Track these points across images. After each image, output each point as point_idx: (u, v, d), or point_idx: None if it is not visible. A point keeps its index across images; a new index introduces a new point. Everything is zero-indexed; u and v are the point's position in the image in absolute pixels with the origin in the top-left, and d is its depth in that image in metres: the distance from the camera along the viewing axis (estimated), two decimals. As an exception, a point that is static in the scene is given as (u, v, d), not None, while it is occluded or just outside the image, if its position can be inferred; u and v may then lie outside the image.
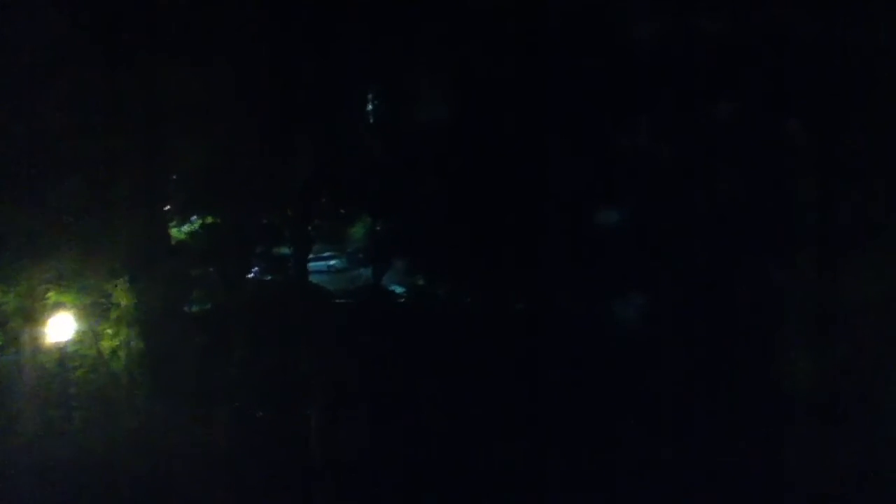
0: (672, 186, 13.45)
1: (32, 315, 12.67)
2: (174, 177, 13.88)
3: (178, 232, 14.10)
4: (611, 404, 12.56)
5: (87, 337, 13.07)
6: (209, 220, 14.08)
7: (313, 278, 15.04)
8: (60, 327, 12.88)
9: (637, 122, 13.62)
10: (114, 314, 13.13)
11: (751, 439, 11.84)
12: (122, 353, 13.20)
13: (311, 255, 15.35)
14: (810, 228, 12.64)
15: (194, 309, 13.78)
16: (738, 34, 12.67)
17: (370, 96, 15.07)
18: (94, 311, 13.08)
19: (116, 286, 12.97)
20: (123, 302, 13.21)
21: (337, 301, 14.48)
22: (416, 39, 14.05)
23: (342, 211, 15.33)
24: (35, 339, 12.76)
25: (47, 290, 12.72)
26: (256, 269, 14.82)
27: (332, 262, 16.20)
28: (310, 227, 14.69)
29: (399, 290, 15.40)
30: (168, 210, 13.82)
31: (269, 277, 14.21)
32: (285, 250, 14.39)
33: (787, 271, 12.62)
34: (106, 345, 13.14)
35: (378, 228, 15.01)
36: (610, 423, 12.44)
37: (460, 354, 12.97)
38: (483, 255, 13.87)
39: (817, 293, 12.57)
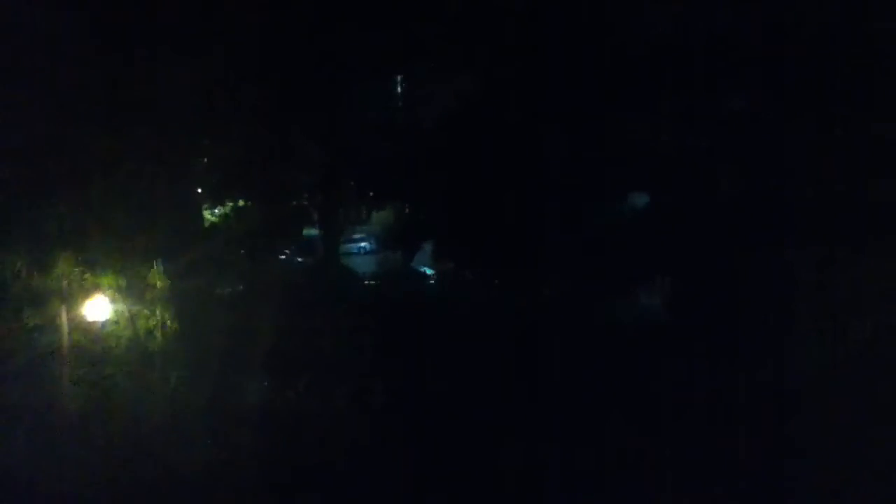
0: (694, 179, 13.38)
1: (69, 296, 13.01)
2: (205, 161, 14.09)
3: (210, 215, 14.37)
4: (634, 396, 12.55)
5: (123, 318, 13.37)
6: (241, 203, 14.34)
7: (344, 260, 15.25)
8: (97, 308, 13.19)
9: (654, 112, 13.46)
10: (149, 296, 13.45)
11: (768, 438, 11.75)
12: (157, 334, 13.49)
13: (342, 238, 15.56)
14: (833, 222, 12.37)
15: (227, 290, 14.05)
16: (756, 23, 12.48)
17: (397, 81, 15.19)
18: (130, 293, 13.39)
19: (151, 268, 13.33)
20: (158, 284, 13.54)
21: (366, 283, 14.71)
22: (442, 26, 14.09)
23: (371, 194, 15.51)
24: (72, 320, 13.10)
25: (83, 272, 13.06)
26: (288, 251, 15.07)
27: (363, 245, 16.39)
28: (339, 211, 14.93)
29: (428, 271, 15.53)
30: (200, 194, 14.08)
31: (301, 260, 14.50)
32: (316, 233, 14.64)
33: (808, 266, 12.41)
34: (142, 325, 13.44)
35: (406, 212, 15.16)
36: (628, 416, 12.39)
37: (484, 338, 13.10)
38: (508, 240, 13.96)
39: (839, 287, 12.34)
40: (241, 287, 14.04)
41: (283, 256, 14.89)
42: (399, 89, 15.65)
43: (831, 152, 11.97)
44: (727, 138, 13.19)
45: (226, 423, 13.09)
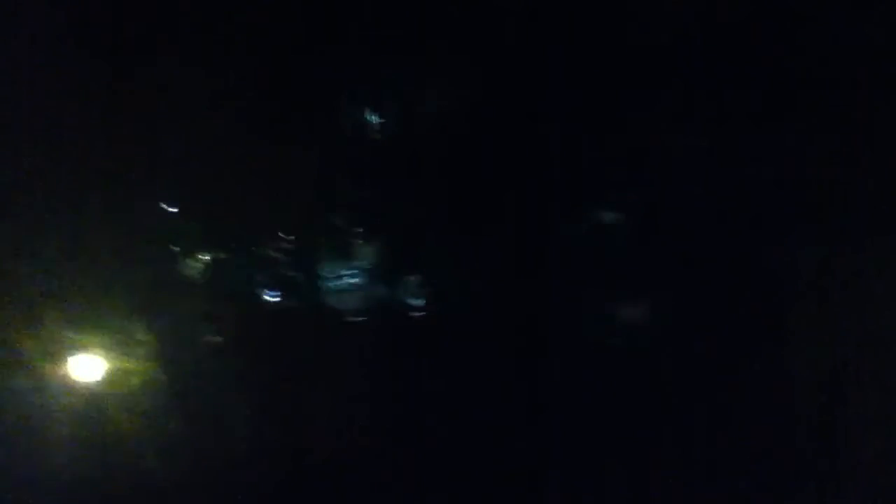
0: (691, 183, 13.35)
1: (56, 357, 13.01)
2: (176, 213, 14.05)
3: (190, 267, 14.34)
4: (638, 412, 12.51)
5: (116, 376, 13.37)
6: (218, 254, 14.34)
7: (330, 297, 15.16)
8: (86, 368, 13.21)
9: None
10: (138, 351, 13.42)
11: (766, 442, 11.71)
12: (150, 389, 13.47)
13: (327, 275, 15.51)
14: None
15: (215, 339, 14.02)
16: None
17: (376, 110, 15.15)
18: (119, 350, 13.40)
19: (137, 324, 13.30)
20: (146, 339, 13.51)
21: (351, 320, 14.62)
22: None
23: (356, 229, 15.45)
24: (62, 381, 13.10)
25: (70, 331, 13.08)
26: (274, 293, 14.99)
27: (350, 281, 16.31)
28: (323, 248, 14.86)
29: (417, 302, 15.42)
30: (176, 248, 14.06)
31: (284, 300, 14.44)
32: (298, 274, 14.59)
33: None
34: (134, 383, 13.43)
35: (390, 245, 15.09)
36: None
37: (475, 365, 13.03)
38: (498, 266, 13.91)
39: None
40: (225, 335, 13.99)
41: (271, 298, 14.81)
42: (382, 118, 15.62)
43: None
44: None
45: (228, 471, 13.08)
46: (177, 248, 14.18)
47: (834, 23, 12.12)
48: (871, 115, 12.08)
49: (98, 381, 12.93)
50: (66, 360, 13.07)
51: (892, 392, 11.53)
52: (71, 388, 12.97)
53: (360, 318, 14.87)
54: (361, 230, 15.91)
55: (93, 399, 12.84)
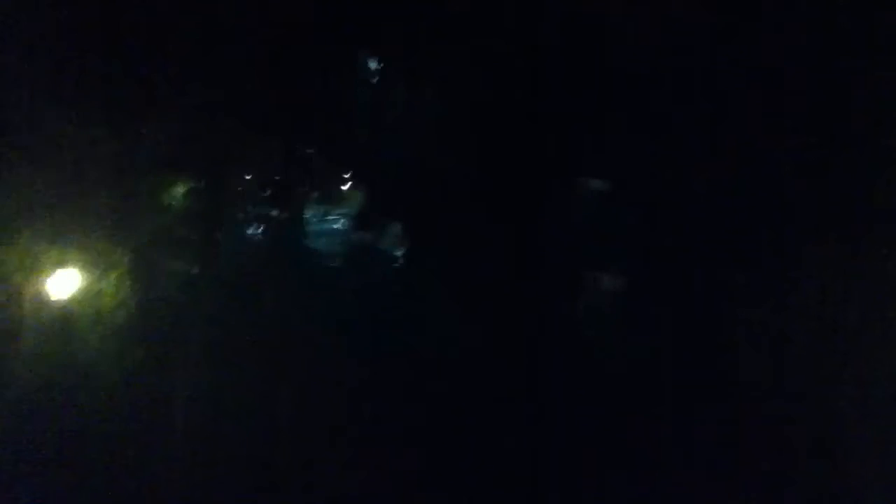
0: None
1: (34, 271, 12.99)
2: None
3: (171, 194, 14.27)
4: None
5: (89, 295, 13.34)
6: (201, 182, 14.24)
7: (315, 240, 15.17)
8: (62, 284, 13.17)
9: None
10: (112, 273, 13.41)
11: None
12: (121, 311, 13.48)
13: (313, 217, 15.49)
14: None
15: (186, 269, 14.00)
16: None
17: (373, 60, 15.02)
18: (94, 270, 13.36)
19: (112, 243, 13.26)
20: (122, 260, 13.49)
21: (332, 264, 14.63)
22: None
23: (344, 175, 15.41)
24: (37, 295, 13.08)
25: (49, 247, 13.03)
26: (258, 229, 15.00)
27: (335, 225, 16.31)
28: (309, 190, 14.86)
29: (398, 253, 15.42)
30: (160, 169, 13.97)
31: (266, 237, 14.43)
32: (284, 212, 14.57)
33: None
34: (106, 302, 13.42)
35: (377, 192, 15.05)
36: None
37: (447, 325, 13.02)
38: (483, 225, 13.85)
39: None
40: (200, 266, 13.99)
41: (252, 234, 14.83)
42: (378, 68, 15.44)
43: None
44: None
45: (188, 403, 13.13)
46: (159, 176, 14.18)
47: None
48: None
49: (70, 298, 12.88)
50: (43, 275, 13.00)
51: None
52: (44, 302, 12.88)
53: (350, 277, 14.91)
54: (349, 177, 15.96)
55: (64, 314, 12.80)
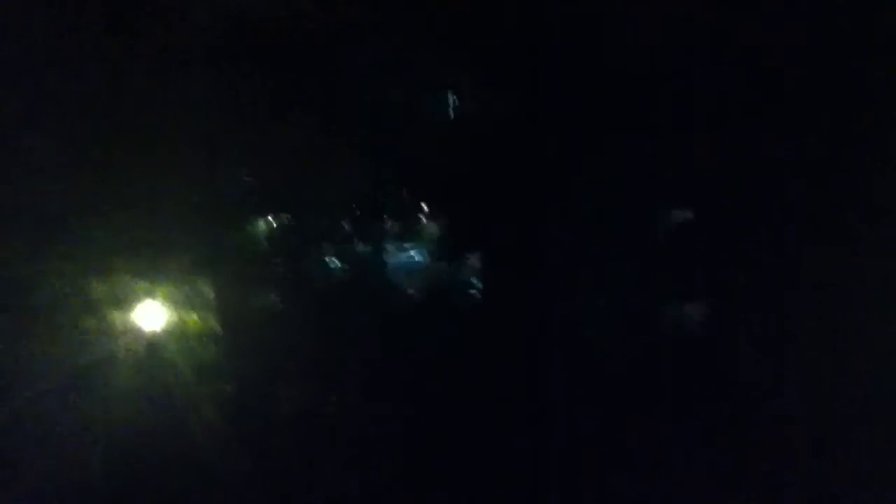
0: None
1: (123, 303, 13.53)
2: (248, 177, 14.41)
3: (253, 229, 14.69)
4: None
5: (175, 325, 13.81)
6: (284, 217, 14.64)
7: (394, 272, 15.34)
8: (149, 315, 13.66)
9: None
10: (199, 305, 13.85)
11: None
12: (207, 341, 13.90)
13: (392, 249, 15.68)
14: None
15: (271, 301, 14.36)
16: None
17: (448, 92, 15.18)
18: (181, 301, 13.83)
19: (200, 277, 13.73)
20: (208, 293, 13.94)
21: (410, 294, 14.75)
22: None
23: (423, 206, 15.57)
24: (125, 326, 13.60)
25: (137, 279, 13.56)
26: (337, 263, 15.26)
27: (413, 258, 16.46)
28: (388, 222, 15.05)
29: (478, 284, 15.46)
30: (245, 204, 14.41)
31: (346, 271, 14.67)
32: (364, 246, 14.80)
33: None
34: (192, 333, 13.85)
35: (455, 223, 15.14)
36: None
37: (530, 351, 13.00)
38: (558, 255, 13.84)
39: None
40: (284, 299, 14.32)
41: (332, 266, 15.10)
42: (449, 98, 15.59)
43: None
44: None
45: (270, 428, 13.40)
46: (244, 213, 14.65)
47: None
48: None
49: (159, 329, 13.35)
50: (133, 307, 13.53)
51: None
52: (134, 332, 13.38)
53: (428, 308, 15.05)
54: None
55: (153, 345, 13.27)
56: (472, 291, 14.90)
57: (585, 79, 12.88)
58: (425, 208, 15.27)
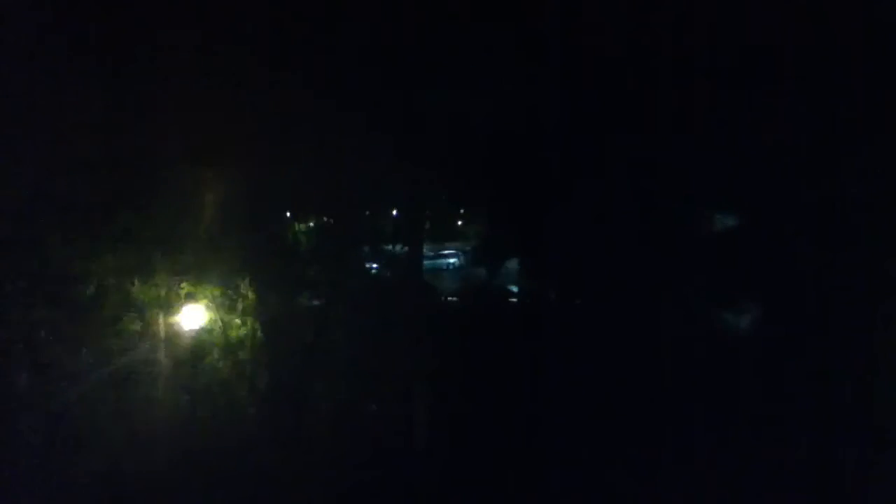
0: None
1: (167, 304, 13.68)
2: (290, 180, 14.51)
3: (296, 231, 14.83)
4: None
5: (217, 326, 13.94)
6: (323, 220, 14.77)
7: (429, 276, 15.41)
8: (192, 317, 13.81)
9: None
10: (240, 306, 13.98)
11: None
12: (248, 343, 14.01)
13: (431, 253, 15.74)
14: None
15: (310, 303, 14.47)
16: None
17: (488, 97, 15.19)
18: (223, 303, 13.96)
19: (242, 280, 13.87)
20: (250, 295, 14.06)
21: (447, 299, 14.83)
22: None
23: (461, 210, 15.65)
24: (169, 327, 13.75)
25: (181, 281, 13.72)
26: (375, 265, 15.38)
27: (451, 261, 16.50)
28: (426, 225, 15.14)
29: (514, 289, 15.49)
30: (287, 206, 14.57)
31: (386, 274, 14.77)
32: (401, 248, 14.90)
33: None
34: (233, 335, 13.98)
35: (493, 228, 15.21)
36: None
37: (566, 360, 12.99)
38: (598, 260, 13.82)
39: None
40: (324, 301, 14.42)
41: (373, 271, 15.22)
42: (492, 99, 15.56)
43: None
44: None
45: (309, 430, 13.48)
46: (284, 216, 14.79)
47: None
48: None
49: (200, 329, 13.47)
50: (175, 308, 13.67)
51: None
52: (177, 333, 13.50)
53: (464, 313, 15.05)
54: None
55: (195, 345, 13.40)
56: (509, 296, 14.98)
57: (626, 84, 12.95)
58: (464, 212, 15.38)
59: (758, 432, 11.91)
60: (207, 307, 13.80)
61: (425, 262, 15.04)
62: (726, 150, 13.22)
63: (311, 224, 14.98)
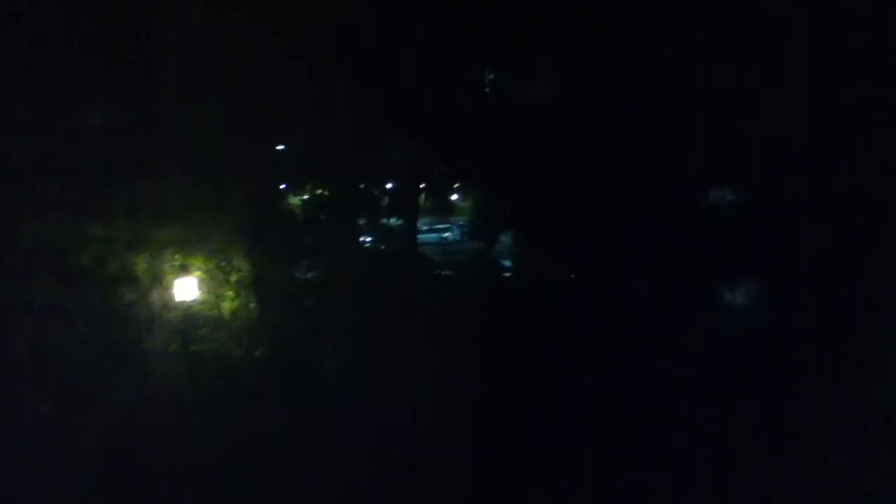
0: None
1: (160, 275, 13.66)
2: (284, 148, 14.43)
3: (292, 201, 14.79)
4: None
5: (210, 298, 13.93)
6: (319, 191, 14.71)
7: (426, 249, 15.40)
8: (186, 288, 13.79)
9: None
10: (234, 278, 13.96)
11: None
12: (241, 315, 14.01)
13: (425, 227, 15.72)
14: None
15: (308, 275, 14.44)
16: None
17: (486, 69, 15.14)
18: (217, 275, 13.93)
19: (236, 251, 13.83)
20: (243, 267, 14.04)
21: (440, 272, 14.81)
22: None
23: (455, 184, 15.60)
24: (162, 298, 13.75)
25: (175, 252, 13.70)
26: (370, 238, 15.36)
27: (445, 234, 16.49)
28: (421, 199, 15.10)
29: (507, 263, 15.49)
30: (283, 178, 14.50)
31: (381, 247, 14.76)
32: (397, 221, 14.87)
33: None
34: (227, 306, 13.98)
35: (488, 201, 15.17)
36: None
37: (561, 334, 12.99)
38: (593, 234, 13.80)
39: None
40: (318, 273, 14.41)
41: (365, 243, 15.21)
42: (489, 75, 15.55)
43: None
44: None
45: (301, 399, 13.48)
46: (279, 188, 14.73)
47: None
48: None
49: (194, 301, 13.47)
50: (169, 280, 13.65)
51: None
52: (170, 304, 13.50)
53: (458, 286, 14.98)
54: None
55: (187, 317, 13.39)
56: (503, 271, 14.97)
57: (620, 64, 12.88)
58: (461, 187, 15.34)
59: (756, 412, 11.92)
60: (201, 279, 13.79)
61: (420, 236, 15.04)
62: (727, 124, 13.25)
63: (306, 196, 14.95)
